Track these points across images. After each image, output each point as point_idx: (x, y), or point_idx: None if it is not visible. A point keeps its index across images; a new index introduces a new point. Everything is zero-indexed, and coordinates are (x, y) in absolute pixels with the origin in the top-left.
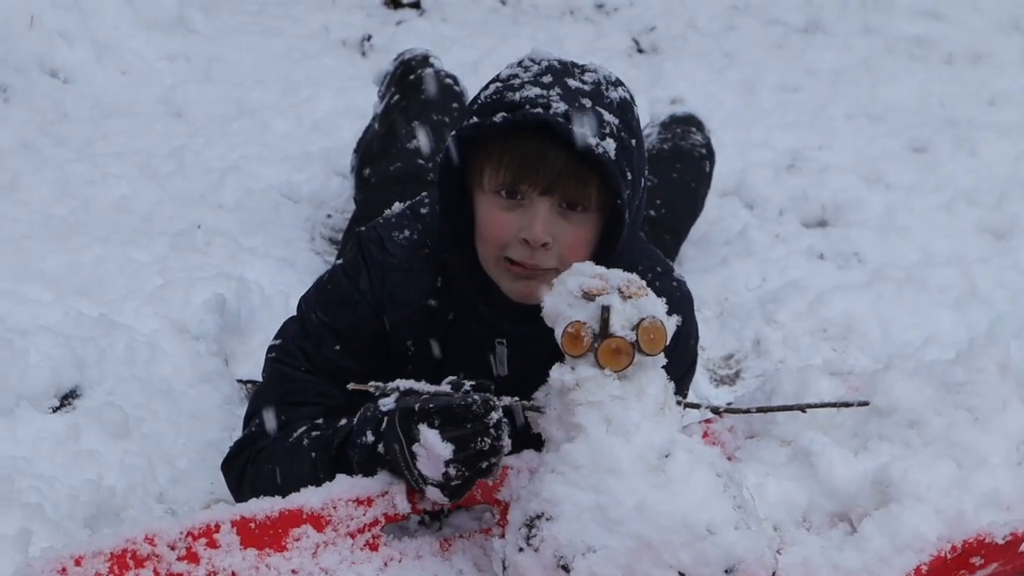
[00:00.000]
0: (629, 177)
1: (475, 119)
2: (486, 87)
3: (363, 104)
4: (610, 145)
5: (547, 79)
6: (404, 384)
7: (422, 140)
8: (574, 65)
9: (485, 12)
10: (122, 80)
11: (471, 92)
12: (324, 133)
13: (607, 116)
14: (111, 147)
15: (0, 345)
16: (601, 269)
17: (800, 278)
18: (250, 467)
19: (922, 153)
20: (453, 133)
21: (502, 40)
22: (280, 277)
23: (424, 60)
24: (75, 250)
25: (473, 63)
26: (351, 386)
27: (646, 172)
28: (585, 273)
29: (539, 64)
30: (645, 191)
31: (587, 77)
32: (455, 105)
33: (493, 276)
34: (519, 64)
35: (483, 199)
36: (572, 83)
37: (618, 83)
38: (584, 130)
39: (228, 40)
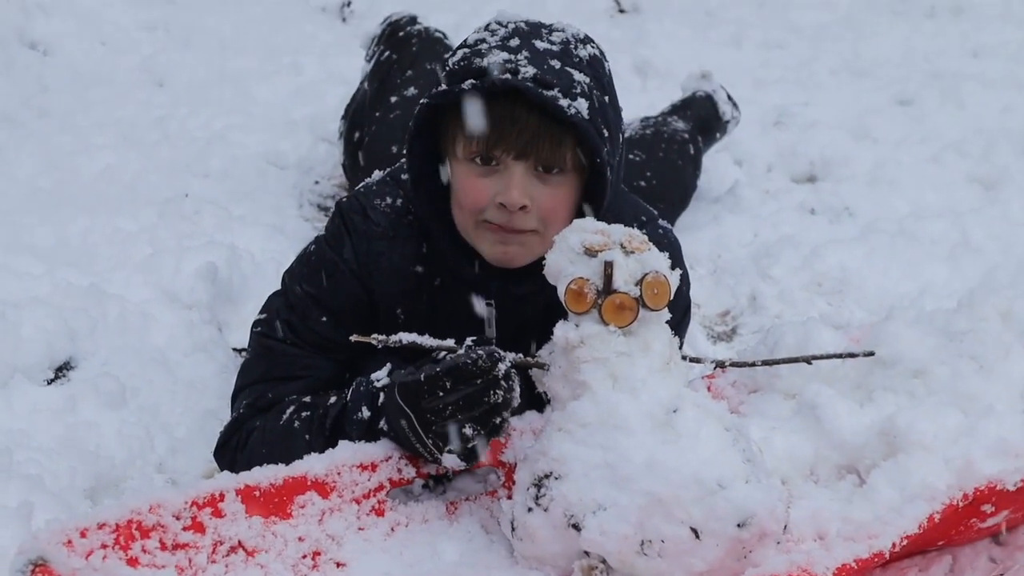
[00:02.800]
0: (606, 134)
1: (443, 86)
2: (453, 53)
3: (345, 70)
4: (582, 105)
5: (514, 42)
6: (407, 337)
7: (418, 89)
8: (541, 26)
9: None
10: (101, 50)
11: None
12: (308, 100)
13: (577, 75)
14: (93, 118)
15: None
16: (602, 225)
17: (792, 233)
18: (240, 454)
19: (908, 107)
20: (421, 101)
21: (482, 3)
22: (271, 244)
23: (412, 20)
24: (62, 222)
25: (454, 26)
26: (354, 338)
27: (624, 128)
28: (586, 229)
29: (506, 27)
30: (624, 146)
31: (555, 37)
32: (447, 56)
33: (472, 241)
34: (486, 28)
35: (457, 166)
36: (540, 44)
37: (587, 40)
38: (554, 92)
39: (206, 7)
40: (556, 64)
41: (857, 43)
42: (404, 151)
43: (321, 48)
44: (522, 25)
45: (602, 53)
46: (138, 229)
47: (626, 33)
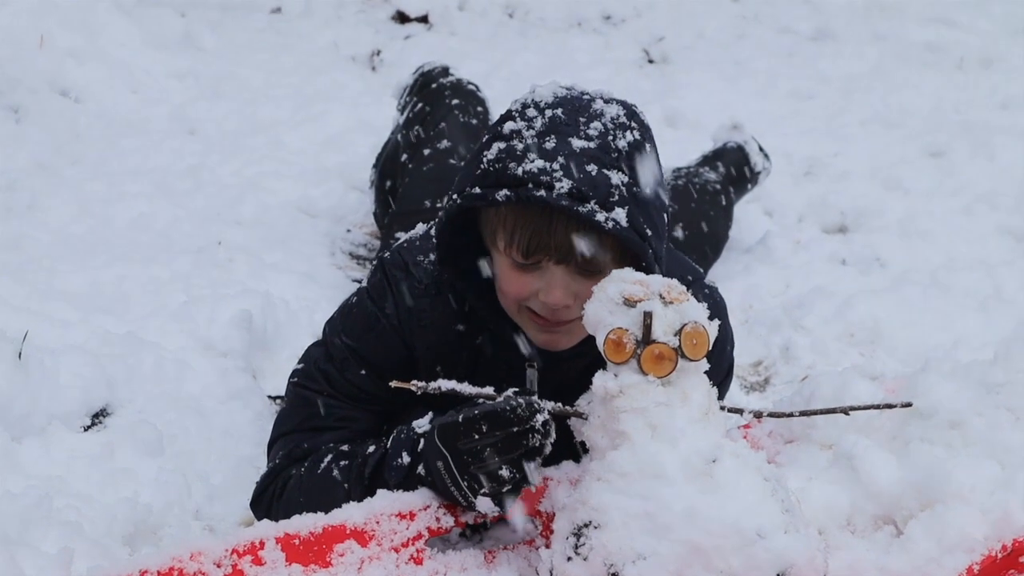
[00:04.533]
0: (648, 233)
1: (478, 190)
2: (488, 144)
3: (376, 119)
4: (620, 215)
5: (550, 144)
6: (446, 384)
7: (452, 142)
8: (579, 111)
9: (493, 26)
10: (133, 98)
11: (489, 103)
12: (339, 148)
13: (615, 178)
14: (126, 165)
15: (30, 364)
16: (641, 275)
17: (824, 284)
18: (277, 504)
19: (939, 158)
20: (455, 199)
21: (511, 53)
22: (304, 292)
23: (444, 71)
24: (97, 269)
25: (484, 75)
26: (394, 383)
27: (667, 201)
28: (625, 279)
29: (542, 114)
30: (670, 215)
31: (593, 129)
32: (480, 109)
33: (517, 322)
34: (522, 113)
35: (498, 256)
36: (576, 144)
37: (628, 121)
38: (591, 206)
39: (236, 57)
40: (592, 169)
41: (887, 94)
42: (435, 235)
43: (351, 97)
44: (559, 114)
45: (643, 131)
46: (172, 277)
47: (655, 84)
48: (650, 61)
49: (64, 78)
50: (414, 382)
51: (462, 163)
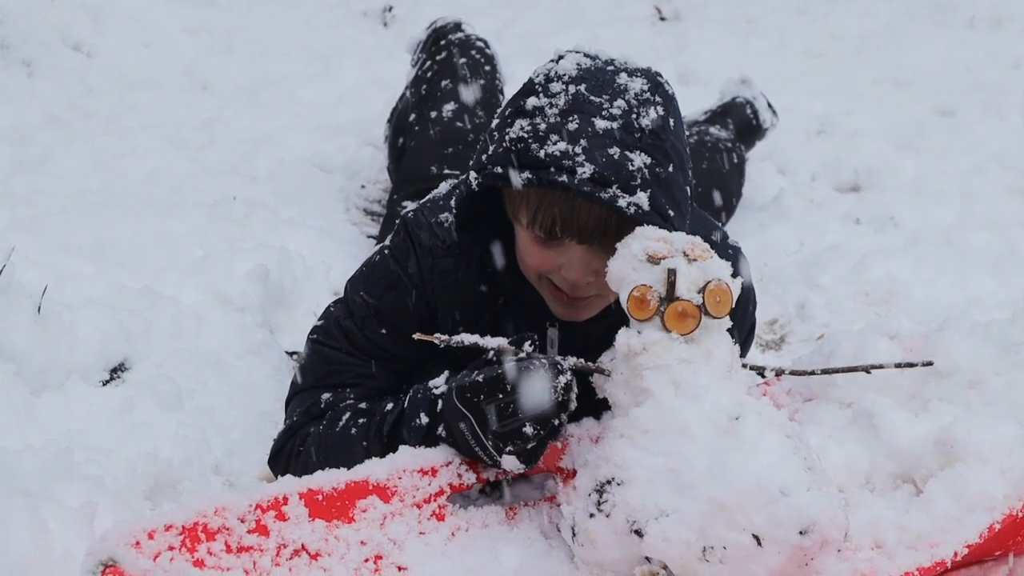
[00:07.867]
0: (671, 214)
1: (499, 169)
2: (511, 121)
3: (388, 74)
4: (642, 198)
5: (573, 124)
6: (468, 338)
7: (458, 103)
8: (603, 84)
9: None
10: (145, 53)
11: (500, 59)
12: (352, 104)
13: (638, 160)
14: (139, 120)
15: (48, 319)
16: (665, 233)
17: (838, 243)
18: (295, 461)
19: (950, 117)
20: (475, 175)
21: (523, 9)
22: (320, 248)
23: (456, 27)
24: (112, 223)
25: (496, 32)
26: (416, 336)
27: (690, 176)
28: (649, 237)
29: (566, 90)
30: (692, 184)
31: (616, 107)
32: (487, 68)
33: (538, 291)
34: (545, 88)
35: (520, 230)
36: (599, 124)
37: (653, 96)
38: (613, 191)
39: (248, 11)
40: (615, 152)
41: (898, 53)
42: (454, 211)
43: (363, 53)
44: (582, 91)
45: (667, 105)
46: (188, 231)
47: (667, 41)
48: (662, 19)
49: (76, 32)
50: (437, 335)
51: (468, 126)
